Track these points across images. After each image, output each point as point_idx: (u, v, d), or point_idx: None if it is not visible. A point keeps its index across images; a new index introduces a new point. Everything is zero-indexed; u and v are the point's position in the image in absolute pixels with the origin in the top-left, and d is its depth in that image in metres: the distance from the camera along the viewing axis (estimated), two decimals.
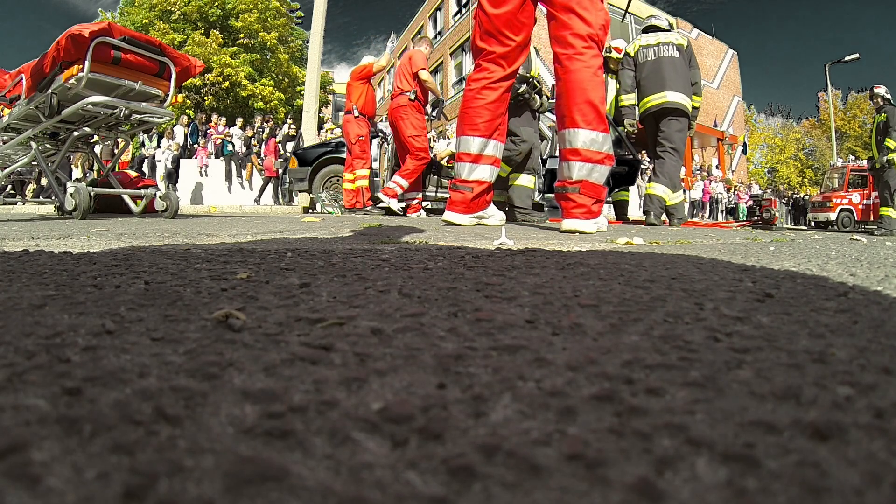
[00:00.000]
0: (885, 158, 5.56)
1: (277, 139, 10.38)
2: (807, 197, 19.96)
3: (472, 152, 2.39)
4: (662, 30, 4.38)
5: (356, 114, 5.20)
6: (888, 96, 5.79)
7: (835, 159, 18.57)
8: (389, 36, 5.69)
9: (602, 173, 2.13)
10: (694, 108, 4.16)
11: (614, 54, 4.61)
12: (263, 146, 10.12)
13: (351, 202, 5.27)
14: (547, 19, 2.21)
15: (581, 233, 2.05)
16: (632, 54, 4.30)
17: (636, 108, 4.32)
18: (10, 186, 7.95)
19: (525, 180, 3.97)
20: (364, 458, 0.24)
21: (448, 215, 2.49)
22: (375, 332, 0.46)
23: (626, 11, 3.11)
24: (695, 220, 10.66)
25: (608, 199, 5.15)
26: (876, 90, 5.85)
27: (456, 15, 18.56)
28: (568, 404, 0.31)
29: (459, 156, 2.43)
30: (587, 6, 2.10)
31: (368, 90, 5.35)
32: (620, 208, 5.44)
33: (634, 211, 6.73)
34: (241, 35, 16.65)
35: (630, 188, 5.36)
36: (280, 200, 9.92)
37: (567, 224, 2.14)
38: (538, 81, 3.88)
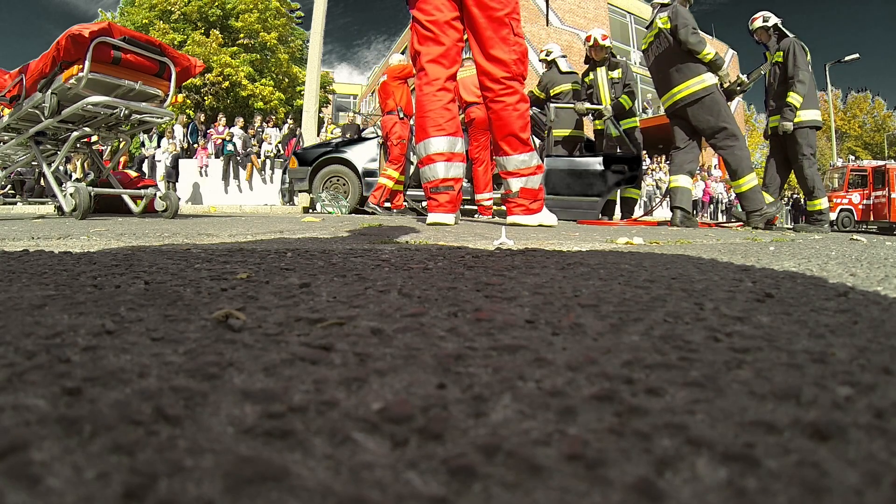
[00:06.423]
0: None
1: (279, 139, 10.38)
2: None
3: (445, 151, 2.52)
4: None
5: (401, 115, 5.17)
6: None
7: (835, 159, 18.56)
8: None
9: (536, 180, 2.58)
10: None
11: (589, 43, 4.79)
12: (285, 147, 10.17)
13: (396, 203, 5.38)
14: (471, 51, 2.50)
15: (521, 225, 2.53)
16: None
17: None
18: (9, 186, 7.95)
19: (684, 181, 3.91)
20: (364, 458, 0.24)
21: (437, 217, 2.50)
22: (375, 332, 0.46)
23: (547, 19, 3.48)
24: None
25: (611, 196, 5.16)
26: None
27: None
28: (568, 404, 0.31)
29: (431, 157, 2.52)
30: (500, 46, 2.38)
31: (407, 90, 5.33)
32: (627, 206, 5.41)
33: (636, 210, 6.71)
34: (241, 35, 16.63)
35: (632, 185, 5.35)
36: (281, 200, 9.92)
37: (510, 219, 2.66)
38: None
